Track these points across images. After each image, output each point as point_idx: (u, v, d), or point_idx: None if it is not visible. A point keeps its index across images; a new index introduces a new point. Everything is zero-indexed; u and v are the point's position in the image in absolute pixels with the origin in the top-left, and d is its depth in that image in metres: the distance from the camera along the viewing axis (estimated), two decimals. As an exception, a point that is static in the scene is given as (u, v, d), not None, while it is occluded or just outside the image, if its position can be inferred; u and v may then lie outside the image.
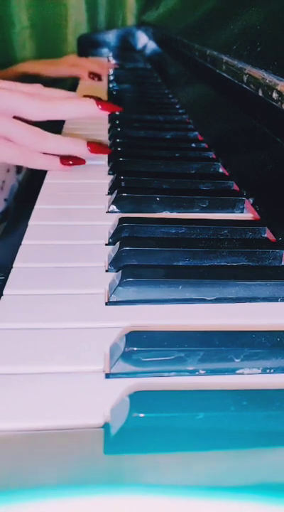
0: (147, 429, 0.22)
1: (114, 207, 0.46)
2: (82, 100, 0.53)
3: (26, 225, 0.43)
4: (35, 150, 0.52)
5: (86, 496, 0.19)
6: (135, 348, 0.26)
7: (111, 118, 0.77)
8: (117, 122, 0.72)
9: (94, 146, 0.54)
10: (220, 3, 0.69)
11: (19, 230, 0.42)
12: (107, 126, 0.76)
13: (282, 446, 0.22)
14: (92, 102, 0.52)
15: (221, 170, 0.55)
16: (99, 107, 0.52)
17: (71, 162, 0.54)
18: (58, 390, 0.25)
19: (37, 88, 0.55)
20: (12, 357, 0.27)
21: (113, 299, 0.33)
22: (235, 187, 0.50)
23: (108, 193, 0.49)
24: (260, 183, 0.45)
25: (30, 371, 0.27)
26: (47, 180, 0.52)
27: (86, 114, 0.53)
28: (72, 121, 0.80)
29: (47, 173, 0.54)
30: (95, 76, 1.17)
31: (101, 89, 1.07)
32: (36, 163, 0.53)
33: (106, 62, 1.35)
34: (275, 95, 0.40)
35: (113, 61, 1.40)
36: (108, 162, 0.58)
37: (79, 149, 0.54)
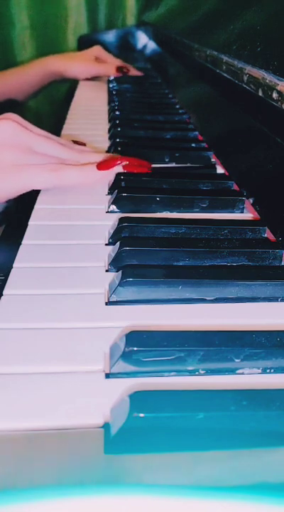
0: (147, 429, 0.22)
1: (114, 207, 0.46)
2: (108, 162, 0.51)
3: (26, 225, 0.43)
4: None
5: (86, 495, 0.19)
6: (135, 348, 0.26)
7: (111, 118, 0.77)
8: (117, 122, 0.72)
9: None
10: (220, 3, 0.69)
11: (19, 230, 0.42)
12: (107, 126, 0.76)
13: (282, 446, 0.22)
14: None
15: (221, 170, 0.55)
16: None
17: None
18: (58, 390, 0.25)
19: (69, 143, 0.55)
20: (12, 357, 0.27)
21: (113, 298, 0.33)
22: (235, 187, 0.50)
23: (108, 193, 0.49)
24: (260, 183, 0.45)
25: (30, 371, 0.27)
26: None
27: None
28: (73, 120, 0.80)
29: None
30: (124, 69, 1.10)
31: (101, 89, 1.07)
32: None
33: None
34: (275, 95, 0.40)
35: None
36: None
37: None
